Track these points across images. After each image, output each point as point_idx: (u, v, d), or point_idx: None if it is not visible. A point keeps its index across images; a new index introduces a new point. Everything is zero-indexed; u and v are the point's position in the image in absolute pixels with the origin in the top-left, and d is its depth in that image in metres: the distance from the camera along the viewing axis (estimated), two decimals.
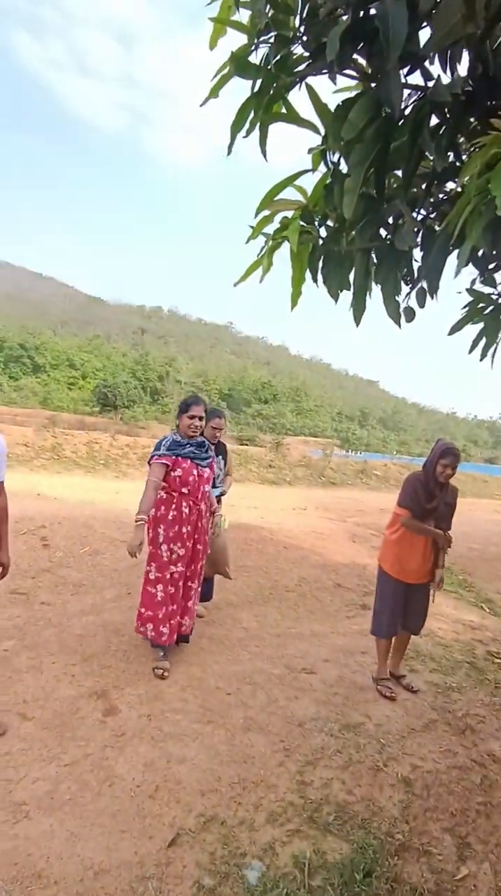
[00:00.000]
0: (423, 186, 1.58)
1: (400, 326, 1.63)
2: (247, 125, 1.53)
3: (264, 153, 1.56)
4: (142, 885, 1.87)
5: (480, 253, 1.58)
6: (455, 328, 1.57)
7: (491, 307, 1.83)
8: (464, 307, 1.88)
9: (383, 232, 1.61)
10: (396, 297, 1.58)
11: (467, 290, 1.85)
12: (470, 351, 1.89)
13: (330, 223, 1.72)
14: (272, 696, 3.26)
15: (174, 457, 3.33)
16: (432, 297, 1.58)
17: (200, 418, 3.38)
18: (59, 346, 65.50)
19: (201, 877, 1.94)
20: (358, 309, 1.61)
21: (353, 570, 6.77)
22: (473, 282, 1.93)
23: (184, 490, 3.33)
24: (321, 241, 1.71)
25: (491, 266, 1.59)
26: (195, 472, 3.36)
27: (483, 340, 1.89)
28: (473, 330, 1.92)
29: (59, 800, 2.22)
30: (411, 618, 3.53)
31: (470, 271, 1.94)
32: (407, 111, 1.33)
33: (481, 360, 1.90)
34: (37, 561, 5.31)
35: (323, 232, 1.73)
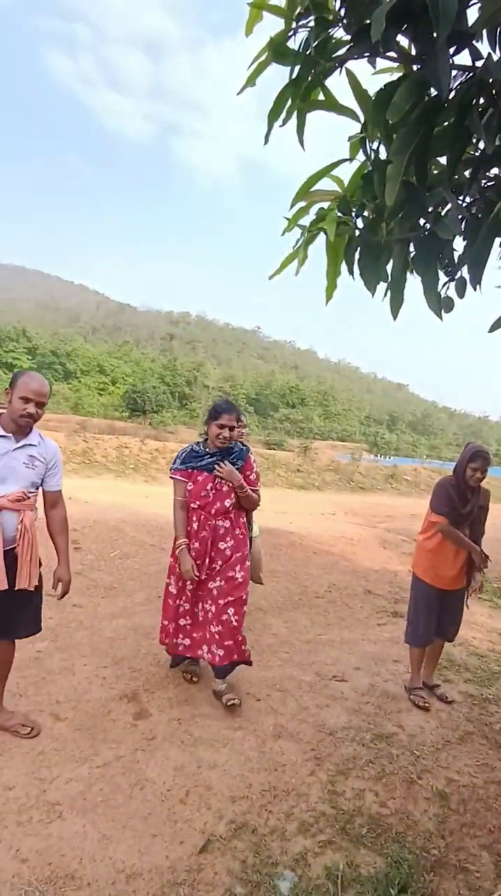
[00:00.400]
0: (467, 173, 1.53)
1: (441, 318, 1.58)
2: (283, 114, 1.50)
3: (301, 142, 1.52)
4: (174, 890, 1.86)
5: None
6: (497, 325, 1.51)
7: None
8: None
9: (422, 221, 1.57)
10: (436, 289, 1.53)
11: None
12: None
13: (367, 213, 1.68)
14: (302, 703, 3.22)
15: (189, 470, 3.10)
16: (475, 289, 1.53)
17: (231, 428, 3.03)
18: (90, 353, 66.71)
19: (233, 885, 1.91)
20: (396, 301, 1.56)
21: (384, 576, 6.67)
22: None
23: (195, 504, 3.07)
24: (358, 233, 1.67)
25: None
26: (210, 485, 3.05)
27: None
28: None
29: (92, 801, 2.23)
30: (445, 625, 3.45)
31: None
32: (453, 94, 1.28)
33: None
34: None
35: (360, 223, 1.69)
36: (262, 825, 2.23)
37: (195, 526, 3.07)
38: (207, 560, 3.05)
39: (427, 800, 2.51)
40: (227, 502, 3.07)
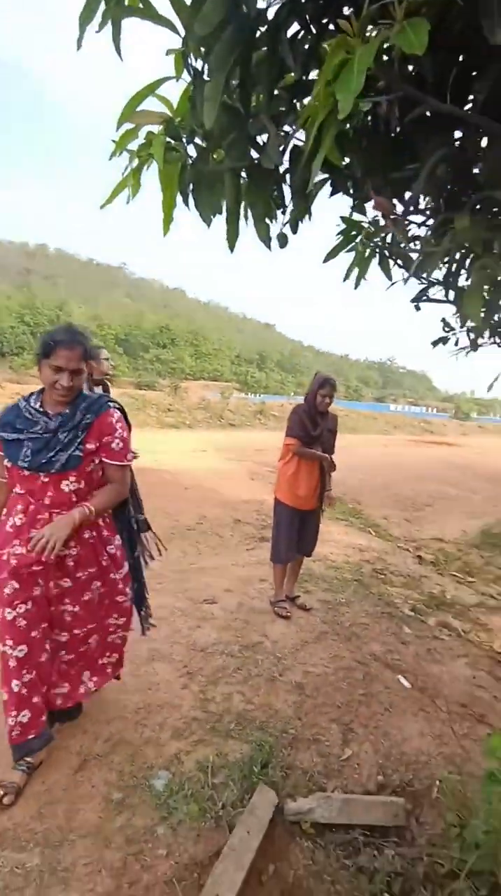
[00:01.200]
0: (288, 101, 1.53)
1: (270, 249, 1.62)
2: (98, 18, 1.36)
3: (118, 50, 1.40)
4: (50, 809, 1.94)
5: (350, 184, 1.60)
6: (329, 256, 1.60)
7: (361, 235, 1.90)
8: (337, 234, 1.93)
9: (255, 154, 1.56)
10: (266, 220, 1.56)
11: (341, 217, 1.89)
12: (345, 279, 1.98)
13: (198, 141, 1.63)
14: (175, 627, 3.39)
15: (8, 439, 1.99)
16: (301, 220, 1.59)
17: (74, 372, 1.92)
18: None
19: (110, 792, 2.04)
20: (232, 233, 1.56)
21: (252, 505, 7.04)
22: (352, 212, 1.99)
23: (20, 489, 2.00)
24: (190, 161, 1.61)
25: (360, 179, 1.58)
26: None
27: (356, 269, 1.97)
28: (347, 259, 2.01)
29: None
30: (304, 542, 3.80)
31: (350, 202, 1.99)
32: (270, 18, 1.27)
33: (355, 287, 1.99)
34: None
35: (191, 151, 1.63)
36: (138, 738, 2.37)
37: (20, 519, 1.98)
38: (47, 573, 2.01)
39: (287, 692, 2.84)
40: (66, 486, 2.00)
